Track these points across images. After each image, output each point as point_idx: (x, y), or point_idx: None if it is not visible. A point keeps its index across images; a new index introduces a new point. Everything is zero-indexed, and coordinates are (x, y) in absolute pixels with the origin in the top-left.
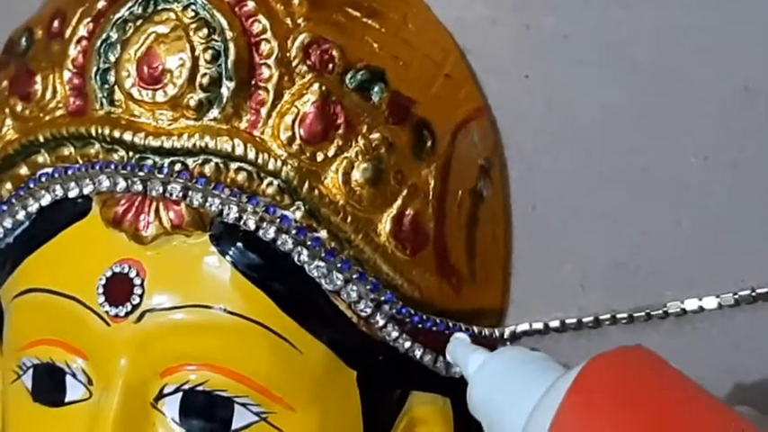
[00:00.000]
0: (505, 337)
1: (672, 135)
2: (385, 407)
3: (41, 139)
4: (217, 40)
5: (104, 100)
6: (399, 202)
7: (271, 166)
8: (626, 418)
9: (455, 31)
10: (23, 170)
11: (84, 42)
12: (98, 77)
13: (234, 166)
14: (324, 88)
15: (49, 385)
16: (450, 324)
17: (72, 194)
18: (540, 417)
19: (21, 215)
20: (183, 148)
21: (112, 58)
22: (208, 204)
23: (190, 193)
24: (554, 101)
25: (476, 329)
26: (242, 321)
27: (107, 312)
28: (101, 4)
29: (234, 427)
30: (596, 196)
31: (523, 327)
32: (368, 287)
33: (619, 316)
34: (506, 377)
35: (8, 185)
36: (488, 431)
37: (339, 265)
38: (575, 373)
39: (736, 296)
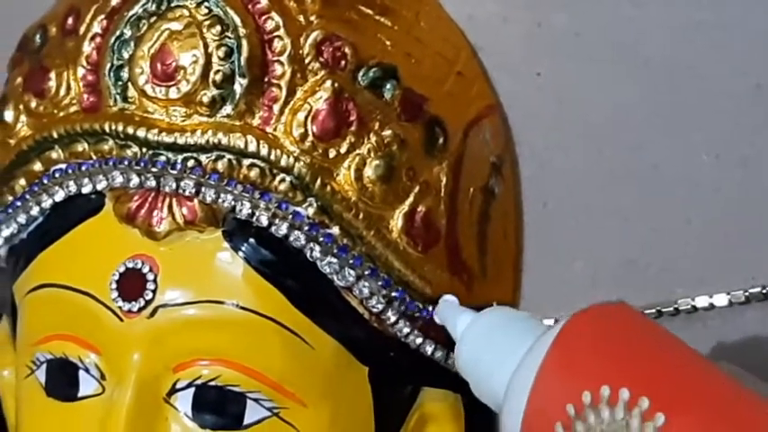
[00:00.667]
0: None
1: (683, 132)
2: (396, 403)
3: (55, 135)
4: (230, 38)
5: (118, 96)
6: (411, 198)
7: (283, 163)
8: (609, 372)
9: (467, 28)
10: (37, 166)
11: (98, 39)
12: (112, 74)
13: (246, 162)
14: (336, 85)
15: (62, 380)
16: None
17: (85, 190)
18: (523, 373)
19: (34, 211)
20: (197, 145)
21: (126, 55)
22: (221, 200)
23: (203, 189)
24: (565, 98)
25: None
26: (254, 317)
27: (120, 308)
28: (115, 1)
29: (246, 422)
30: (607, 193)
31: None
32: (379, 283)
33: None
34: (493, 336)
35: (22, 181)
36: (475, 389)
37: (351, 262)
38: (557, 330)
39: (747, 293)
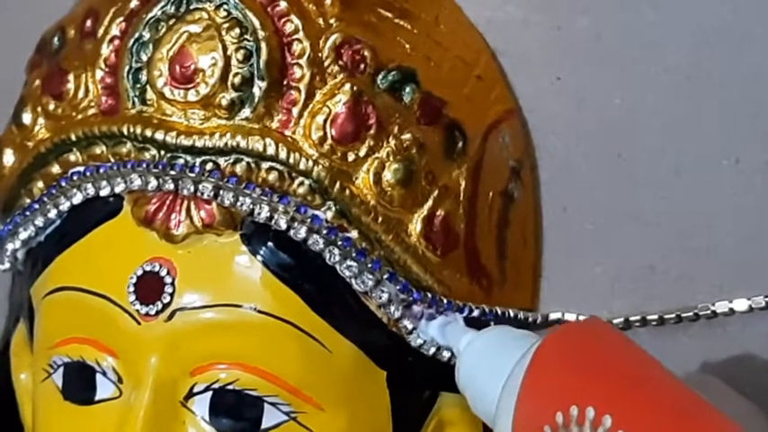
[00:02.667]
0: None
1: (703, 137)
2: (414, 407)
3: (73, 137)
4: (249, 40)
5: (136, 99)
6: (430, 202)
7: (302, 166)
8: (577, 391)
9: (486, 31)
10: (55, 169)
11: (116, 41)
12: (130, 76)
13: (265, 165)
14: (355, 88)
15: (79, 384)
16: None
17: (104, 193)
18: (508, 394)
19: (52, 214)
20: (215, 148)
21: (145, 58)
22: (239, 204)
23: (221, 192)
24: (585, 102)
25: None
26: (272, 321)
27: (138, 311)
28: (133, 4)
29: (264, 426)
30: (627, 198)
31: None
32: (398, 288)
33: (649, 318)
34: (487, 355)
35: (40, 184)
36: (473, 407)
37: (370, 266)
38: (533, 350)
39: (767, 299)
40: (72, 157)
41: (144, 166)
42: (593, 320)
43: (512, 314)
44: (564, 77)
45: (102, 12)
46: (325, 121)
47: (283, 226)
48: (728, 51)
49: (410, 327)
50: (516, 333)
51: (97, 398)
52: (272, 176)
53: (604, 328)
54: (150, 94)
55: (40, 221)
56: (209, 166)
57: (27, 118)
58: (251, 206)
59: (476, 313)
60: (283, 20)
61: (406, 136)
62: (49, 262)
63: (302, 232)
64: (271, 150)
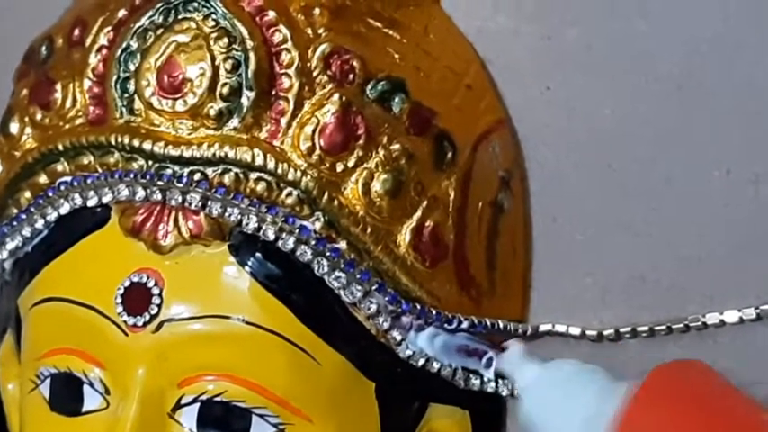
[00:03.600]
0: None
1: (694, 148)
2: (403, 419)
3: (61, 147)
4: (237, 50)
5: (124, 109)
6: (419, 213)
7: (290, 177)
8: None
9: (476, 41)
10: (42, 179)
11: (104, 51)
12: (118, 86)
13: (253, 176)
14: (344, 99)
15: (66, 395)
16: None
17: (91, 203)
18: (596, 422)
19: (39, 224)
20: (203, 158)
21: (132, 67)
22: (227, 214)
23: (209, 202)
24: (575, 112)
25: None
26: (260, 332)
27: (125, 322)
28: (121, 13)
29: None
30: (617, 209)
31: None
32: (386, 299)
33: (639, 329)
34: (558, 391)
35: (27, 194)
36: None
37: (358, 277)
38: (630, 386)
39: (758, 310)
40: (59, 168)
41: (131, 176)
42: (694, 362)
43: (501, 325)
44: (554, 87)
45: (91, 21)
46: (313, 131)
47: (271, 237)
48: (720, 61)
49: (399, 338)
50: (585, 367)
51: (84, 409)
52: (261, 187)
53: (705, 370)
54: (138, 104)
55: (27, 232)
56: (196, 176)
57: (14, 128)
58: (239, 217)
59: (465, 324)
60: (272, 30)
61: (395, 146)
62: (36, 272)
63: (290, 243)
64: (259, 161)
